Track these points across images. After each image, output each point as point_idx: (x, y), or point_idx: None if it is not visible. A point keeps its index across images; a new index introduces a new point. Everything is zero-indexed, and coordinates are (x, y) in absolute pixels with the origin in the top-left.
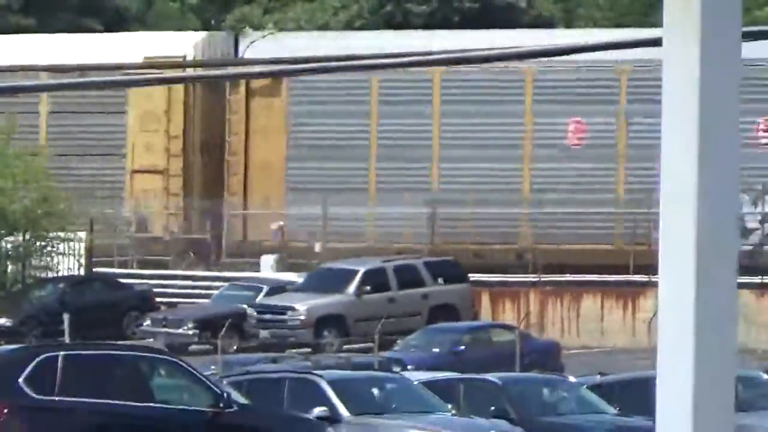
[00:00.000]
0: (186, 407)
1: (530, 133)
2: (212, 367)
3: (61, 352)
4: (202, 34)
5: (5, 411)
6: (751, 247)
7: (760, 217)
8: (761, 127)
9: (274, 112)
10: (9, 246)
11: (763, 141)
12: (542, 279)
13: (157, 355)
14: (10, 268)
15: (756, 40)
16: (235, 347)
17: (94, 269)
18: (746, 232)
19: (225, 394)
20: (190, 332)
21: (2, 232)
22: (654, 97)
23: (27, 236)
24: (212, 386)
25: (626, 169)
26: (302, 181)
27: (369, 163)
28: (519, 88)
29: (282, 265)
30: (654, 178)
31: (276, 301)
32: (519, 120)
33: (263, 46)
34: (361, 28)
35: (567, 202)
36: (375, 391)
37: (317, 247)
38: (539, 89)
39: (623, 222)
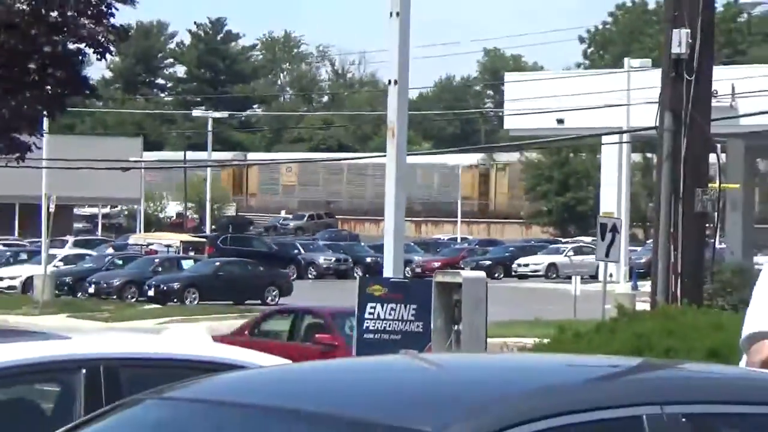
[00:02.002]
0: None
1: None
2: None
3: (229, 235)
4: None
5: (218, 243)
6: None
7: None
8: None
9: None
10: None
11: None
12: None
13: (254, 239)
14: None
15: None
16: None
17: (238, 213)
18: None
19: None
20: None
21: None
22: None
23: (217, 205)
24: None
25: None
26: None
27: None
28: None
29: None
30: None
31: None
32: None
33: None
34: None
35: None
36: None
37: (282, 213)
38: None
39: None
